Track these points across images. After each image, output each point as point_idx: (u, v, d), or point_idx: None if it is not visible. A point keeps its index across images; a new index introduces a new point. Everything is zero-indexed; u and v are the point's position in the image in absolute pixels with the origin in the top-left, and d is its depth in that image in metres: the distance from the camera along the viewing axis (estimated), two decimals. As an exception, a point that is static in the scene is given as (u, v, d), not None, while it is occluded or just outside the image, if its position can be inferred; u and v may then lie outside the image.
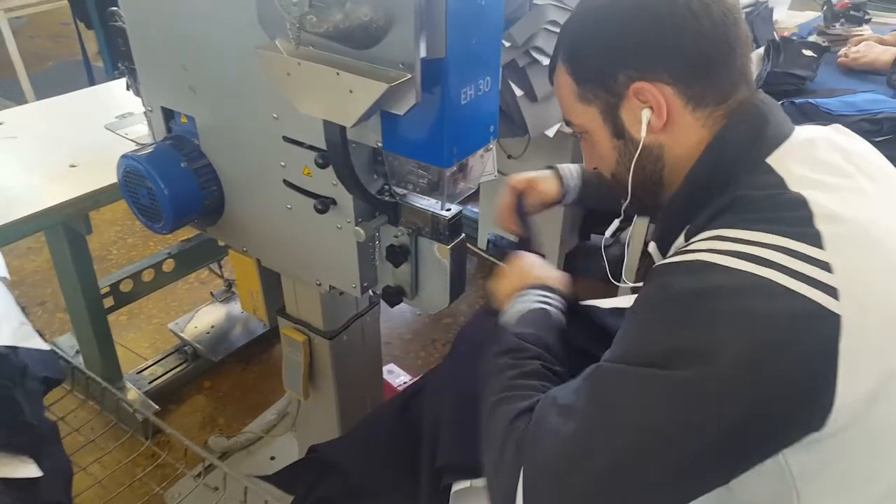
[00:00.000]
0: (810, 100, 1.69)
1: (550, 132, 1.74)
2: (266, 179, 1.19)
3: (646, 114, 0.82)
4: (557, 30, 1.65)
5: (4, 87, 3.93)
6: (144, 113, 1.34)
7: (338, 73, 0.84)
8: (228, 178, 1.27)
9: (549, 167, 1.29)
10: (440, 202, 1.06)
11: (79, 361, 2.11)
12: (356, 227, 1.08)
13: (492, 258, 2.67)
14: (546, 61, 1.65)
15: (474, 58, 0.92)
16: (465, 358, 1.14)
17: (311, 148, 1.08)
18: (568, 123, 0.95)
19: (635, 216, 1.10)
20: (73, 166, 1.56)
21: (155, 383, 2.11)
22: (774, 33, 2.16)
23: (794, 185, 0.73)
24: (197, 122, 1.25)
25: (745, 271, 0.68)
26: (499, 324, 0.99)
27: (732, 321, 0.67)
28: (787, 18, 2.54)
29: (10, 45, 3.38)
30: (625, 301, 1.31)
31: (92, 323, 1.91)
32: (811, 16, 2.62)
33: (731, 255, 0.69)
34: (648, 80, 0.81)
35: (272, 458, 1.83)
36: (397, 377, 1.88)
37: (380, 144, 1.00)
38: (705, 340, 0.67)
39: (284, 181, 1.16)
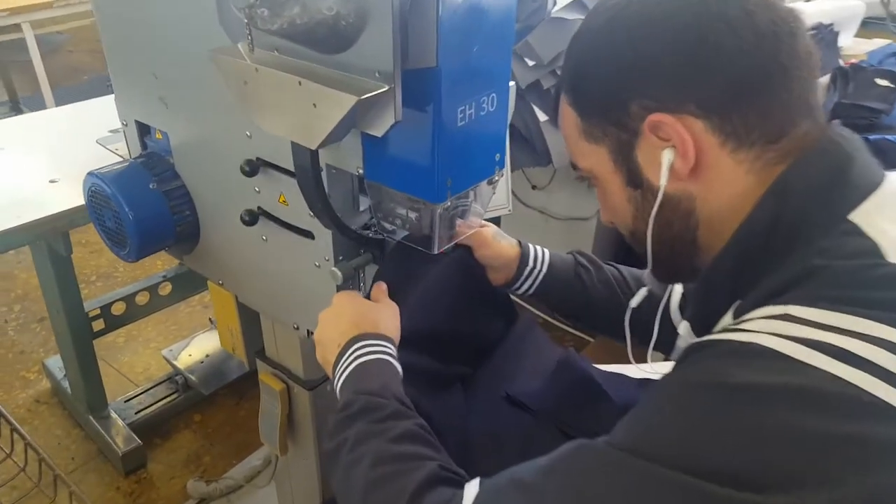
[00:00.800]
0: (887, 136, 1.47)
1: (577, 164, 1.56)
2: (240, 206, 1.04)
3: (667, 155, 0.64)
4: (589, 50, 1.49)
5: (31, 101, 3.91)
6: (122, 128, 1.21)
7: (300, 83, 0.68)
8: (202, 202, 1.12)
9: (520, 242, 1.03)
10: (431, 244, 0.89)
11: (67, 384, 1.99)
12: (333, 268, 0.91)
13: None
14: (575, 85, 1.48)
15: (475, 69, 0.75)
16: None
17: (287, 172, 0.93)
18: (573, 166, 0.78)
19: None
20: (52, 181, 1.44)
21: (142, 413, 1.98)
22: (840, 61, 1.94)
23: (893, 255, 0.54)
24: (170, 137, 1.11)
25: (828, 372, 0.49)
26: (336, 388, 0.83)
27: (829, 448, 0.48)
28: (854, 45, 2.28)
29: (34, 58, 3.35)
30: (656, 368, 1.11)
31: (75, 346, 1.78)
32: (881, 43, 2.37)
33: (808, 346, 0.51)
34: (669, 111, 0.63)
35: (253, 510, 1.66)
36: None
37: (361, 171, 0.83)
38: (786, 468, 0.49)
39: (259, 208, 1.01)
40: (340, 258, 0.96)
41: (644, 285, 0.97)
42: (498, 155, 0.85)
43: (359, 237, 0.93)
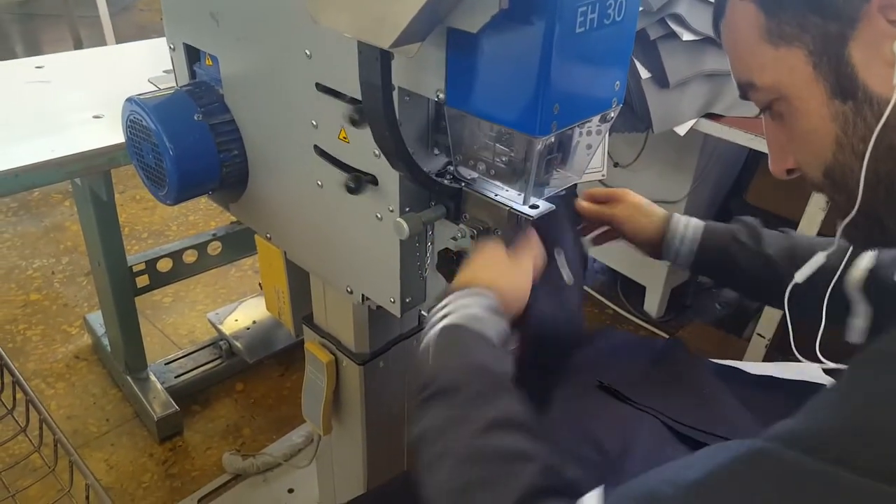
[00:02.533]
0: None
1: (681, 129, 1.35)
2: (294, 143, 0.89)
3: None
4: (706, -4, 1.27)
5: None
6: (170, 55, 1.07)
7: (374, -45, 0.52)
8: (253, 139, 0.98)
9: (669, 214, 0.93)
10: (523, 193, 0.71)
11: (107, 341, 1.90)
12: (399, 219, 0.75)
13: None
14: (687, 35, 1.27)
15: (602, -41, 0.57)
16: None
17: (351, 101, 0.77)
18: (745, 91, 0.60)
19: (850, 248, 0.72)
20: (97, 117, 1.31)
21: (182, 378, 1.87)
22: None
23: None
24: (220, 63, 0.96)
25: None
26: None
27: None
28: None
29: (102, 13, 3.30)
30: (777, 369, 0.92)
31: (116, 301, 1.68)
32: None
33: None
34: None
35: (290, 491, 1.53)
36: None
37: (442, 96, 0.66)
38: None
39: (315, 147, 0.85)
40: (407, 209, 0.79)
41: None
42: (618, 83, 0.67)
43: (432, 184, 0.76)
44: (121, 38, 3.55)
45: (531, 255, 0.73)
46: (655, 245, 0.90)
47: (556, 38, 0.56)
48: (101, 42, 3.41)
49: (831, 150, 0.55)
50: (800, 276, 0.76)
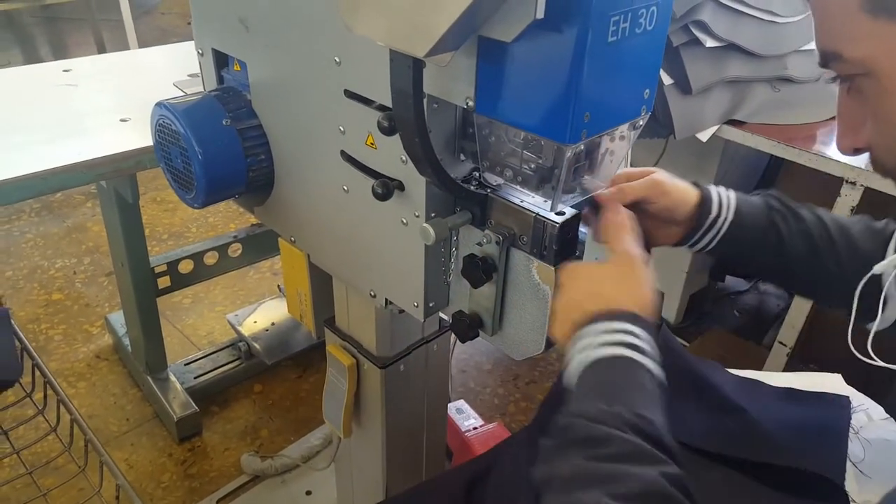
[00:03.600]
0: None
1: (704, 135, 1.35)
2: (321, 149, 0.90)
3: None
4: (730, 2, 1.27)
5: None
6: (198, 58, 1.09)
7: (411, -35, 0.52)
8: (280, 144, 0.99)
9: (696, 184, 0.84)
10: (551, 200, 0.72)
11: (128, 342, 1.92)
12: (425, 224, 0.75)
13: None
14: (710, 42, 1.27)
15: (634, -29, 0.57)
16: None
17: (380, 108, 0.78)
18: (827, 60, 0.56)
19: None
20: (123, 121, 1.33)
21: (201, 378, 1.89)
22: None
23: None
24: (249, 68, 0.97)
25: None
26: (561, 382, 0.61)
27: None
28: None
29: (125, 16, 3.33)
30: (798, 380, 0.91)
31: (138, 302, 1.70)
32: None
33: None
34: None
35: (308, 493, 1.54)
36: (466, 419, 1.54)
37: (471, 104, 0.67)
38: None
39: (342, 153, 0.86)
40: (433, 215, 0.80)
41: (856, 243, 0.76)
42: (647, 91, 0.67)
43: (458, 190, 0.77)
44: (143, 42, 3.59)
45: (633, 240, 0.67)
46: (690, 219, 0.79)
47: (589, 47, 0.57)
48: (124, 45, 3.45)
49: None
50: (879, 267, 0.69)
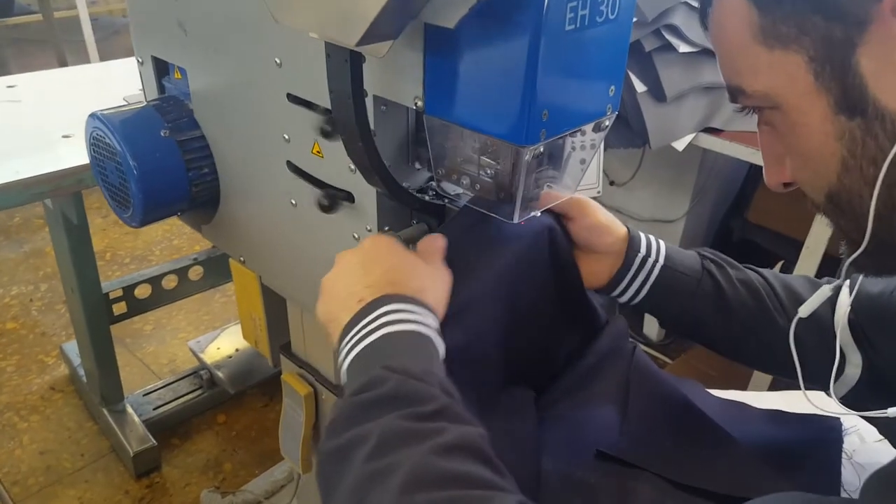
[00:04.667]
0: None
1: (680, 144, 1.29)
2: (266, 160, 0.83)
3: None
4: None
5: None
6: (139, 70, 1.01)
7: (336, -61, 0.46)
8: (224, 156, 0.91)
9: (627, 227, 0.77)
10: (511, 210, 0.65)
11: (83, 372, 1.82)
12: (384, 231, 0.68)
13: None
14: (684, 48, 1.22)
15: (593, -51, 0.51)
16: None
17: (325, 112, 0.71)
18: (735, 96, 0.53)
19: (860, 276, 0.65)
20: (66, 137, 1.25)
21: (161, 409, 1.79)
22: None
23: None
24: (189, 75, 0.90)
25: None
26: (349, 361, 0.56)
27: None
28: None
29: (87, 36, 3.25)
30: (784, 400, 0.85)
31: (90, 329, 1.60)
32: None
33: None
34: None
35: (271, 531, 1.44)
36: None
37: (420, 104, 0.60)
38: None
39: (288, 163, 0.79)
40: (387, 228, 0.73)
41: (797, 292, 0.71)
42: (612, 88, 0.61)
43: (411, 200, 0.70)
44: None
45: (435, 247, 0.63)
46: (614, 255, 0.73)
47: (544, 35, 0.50)
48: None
49: (836, 173, 0.48)
50: (805, 309, 0.65)
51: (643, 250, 0.73)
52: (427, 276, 0.60)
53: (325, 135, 0.67)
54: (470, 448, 0.45)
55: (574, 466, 0.66)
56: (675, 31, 1.20)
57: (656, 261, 0.73)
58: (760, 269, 0.76)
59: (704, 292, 0.72)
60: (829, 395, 0.62)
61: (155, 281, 1.75)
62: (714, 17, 0.53)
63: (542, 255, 0.70)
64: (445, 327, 0.59)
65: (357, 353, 0.54)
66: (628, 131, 1.25)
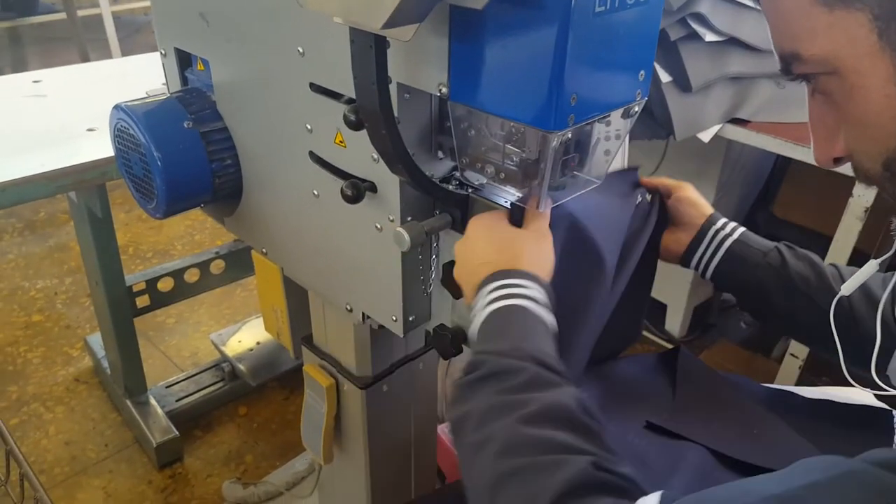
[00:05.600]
0: None
1: (705, 136, 1.27)
2: (289, 150, 0.83)
3: None
4: (729, -7, 1.20)
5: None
6: (162, 62, 1.02)
7: (362, -80, 0.45)
8: (247, 147, 0.91)
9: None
10: (538, 198, 0.64)
11: (107, 364, 1.84)
12: (399, 228, 0.68)
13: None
14: (710, 37, 1.20)
15: (624, -72, 0.50)
16: None
17: (348, 102, 0.70)
18: (788, 63, 0.51)
19: None
20: (90, 130, 1.26)
21: (183, 401, 1.80)
22: None
23: None
24: (211, 66, 0.90)
25: None
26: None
27: None
28: None
29: (110, 35, 3.28)
30: (832, 392, 0.83)
31: (114, 322, 1.61)
32: None
33: None
34: None
35: (293, 523, 1.45)
36: (462, 441, 1.45)
37: (444, 90, 0.60)
38: None
39: (310, 153, 0.79)
40: (409, 218, 0.72)
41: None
42: (642, 73, 0.60)
43: (435, 190, 0.69)
44: (131, 59, 3.54)
45: (538, 215, 0.65)
46: (693, 227, 0.80)
47: (573, 17, 0.49)
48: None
49: (894, 138, 0.46)
50: (847, 288, 0.68)
51: (719, 224, 0.79)
52: (526, 242, 0.64)
53: (349, 124, 0.66)
54: (555, 414, 0.50)
55: (626, 430, 0.70)
56: (701, 19, 1.18)
57: (730, 234, 0.79)
58: (835, 265, 0.79)
59: (769, 263, 0.77)
60: (869, 372, 0.63)
61: (177, 274, 1.76)
62: None
63: (640, 228, 0.76)
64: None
65: (479, 324, 0.61)
66: (652, 122, 1.23)
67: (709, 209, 0.81)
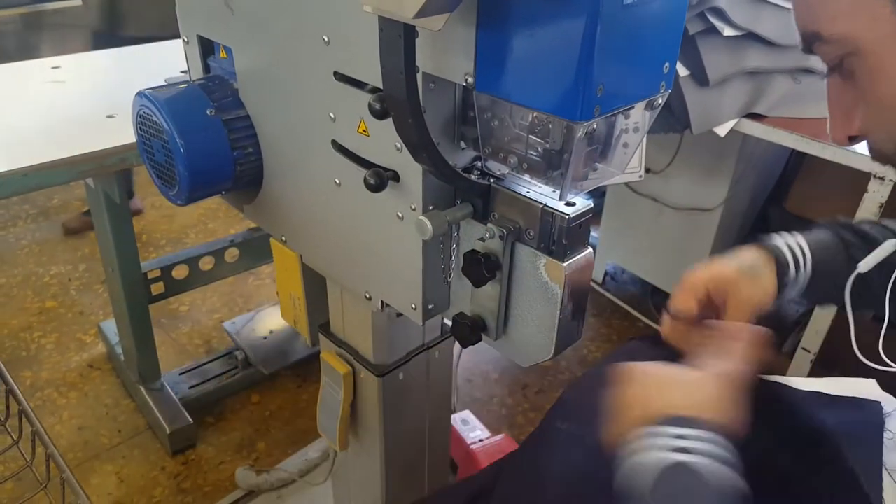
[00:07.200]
0: None
1: (721, 130, 1.27)
2: (311, 139, 0.83)
3: None
4: (749, -12, 1.20)
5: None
6: (184, 49, 1.03)
7: None
8: (268, 135, 0.92)
9: (758, 245, 0.77)
10: (559, 189, 0.65)
11: (121, 350, 1.86)
12: (422, 217, 0.68)
13: (610, 296, 2.20)
14: (728, 31, 1.20)
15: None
16: (559, 447, 0.72)
17: (372, 91, 0.71)
18: (810, 43, 0.52)
19: None
20: (110, 117, 1.27)
21: (196, 388, 1.82)
22: None
23: None
24: (234, 54, 0.91)
25: None
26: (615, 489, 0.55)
27: None
28: None
29: None
30: (826, 384, 0.84)
31: (129, 309, 1.63)
32: None
33: None
34: None
35: (305, 509, 1.46)
36: (472, 430, 1.47)
37: (470, 80, 0.60)
38: None
39: (333, 142, 0.79)
40: (431, 207, 0.73)
41: None
42: (667, 65, 0.60)
43: (458, 180, 0.70)
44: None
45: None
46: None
47: (602, 8, 0.50)
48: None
49: None
50: (864, 265, 0.69)
51: (792, 270, 0.74)
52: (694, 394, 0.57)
53: (374, 113, 0.67)
54: None
55: None
56: (719, 14, 1.18)
57: (804, 270, 0.75)
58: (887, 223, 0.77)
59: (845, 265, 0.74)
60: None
61: (192, 262, 1.78)
62: None
63: None
64: None
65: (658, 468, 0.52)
66: (669, 116, 1.24)
67: (764, 289, 0.74)
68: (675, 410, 0.55)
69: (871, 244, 0.74)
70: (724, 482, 0.51)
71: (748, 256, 0.75)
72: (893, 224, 0.76)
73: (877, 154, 0.54)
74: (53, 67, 1.51)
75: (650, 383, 0.60)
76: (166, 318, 2.14)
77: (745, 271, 0.73)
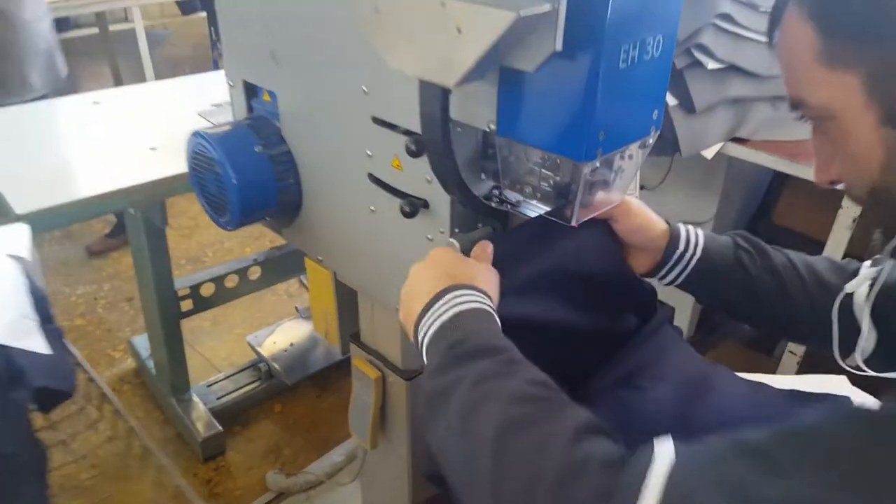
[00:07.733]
0: None
1: (709, 153, 1.40)
2: (348, 172, 0.96)
3: None
4: (729, 27, 1.33)
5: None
6: (229, 91, 1.15)
7: (442, 4, 0.58)
8: (308, 168, 1.05)
9: (667, 222, 0.86)
10: (569, 214, 0.77)
11: (152, 364, 1.98)
12: (451, 239, 0.81)
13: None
14: (712, 65, 1.33)
15: (644, 3, 0.63)
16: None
17: (405, 133, 0.83)
18: (795, 105, 0.62)
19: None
20: (153, 149, 1.40)
21: (223, 399, 1.94)
22: None
23: None
24: (279, 98, 1.03)
25: None
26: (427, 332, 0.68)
27: None
28: None
29: (142, 47, 3.44)
30: (803, 382, 0.95)
31: (163, 325, 1.75)
32: None
33: None
34: None
35: (333, 508, 1.57)
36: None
37: (493, 127, 0.73)
38: None
39: (369, 175, 0.92)
40: (457, 230, 0.85)
41: (823, 277, 0.82)
42: (656, 112, 0.73)
43: (482, 207, 0.82)
44: (157, 73, 3.69)
45: (483, 251, 0.75)
46: (656, 249, 0.84)
47: (602, 72, 0.63)
48: (140, 77, 3.55)
49: (878, 173, 0.57)
50: (851, 287, 0.75)
51: (681, 246, 0.84)
52: (478, 270, 0.73)
53: (410, 153, 0.79)
54: (551, 384, 0.58)
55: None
56: (704, 49, 1.32)
57: (693, 254, 0.84)
58: (788, 252, 0.86)
59: (735, 279, 0.83)
60: (843, 362, 0.73)
61: (218, 280, 1.89)
62: (781, 39, 0.62)
63: (592, 249, 0.82)
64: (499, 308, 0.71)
65: (434, 331, 0.66)
66: (660, 140, 1.36)
67: (662, 227, 0.84)
68: (455, 280, 0.69)
69: (763, 256, 0.83)
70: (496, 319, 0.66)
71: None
72: (793, 254, 0.85)
73: (851, 196, 0.63)
74: (94, 102, 1.64)
75: (445, 259, 0.74)
76: (191, 333, 2.26)
77: (646, 209, 0.85)
